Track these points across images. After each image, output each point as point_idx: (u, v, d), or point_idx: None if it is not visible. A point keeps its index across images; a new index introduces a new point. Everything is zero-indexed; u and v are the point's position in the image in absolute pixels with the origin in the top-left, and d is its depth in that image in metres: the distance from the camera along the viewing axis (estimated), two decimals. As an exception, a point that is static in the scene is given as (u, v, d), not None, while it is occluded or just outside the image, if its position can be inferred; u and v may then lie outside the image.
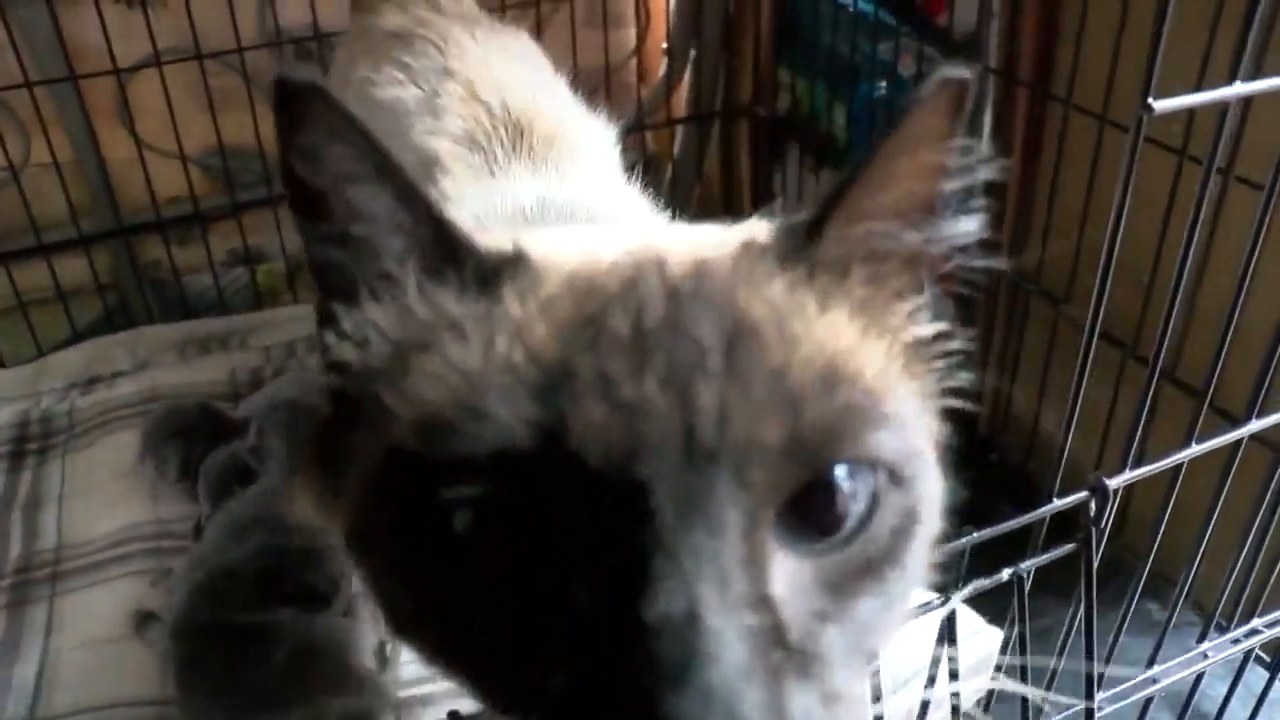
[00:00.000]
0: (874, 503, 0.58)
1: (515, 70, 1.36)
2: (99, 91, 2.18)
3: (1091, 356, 0.93)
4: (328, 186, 0.62)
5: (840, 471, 0.56)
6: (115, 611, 1.60)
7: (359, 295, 0.65)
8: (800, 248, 0.63)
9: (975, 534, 0.89)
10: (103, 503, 1.82)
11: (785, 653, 0.52)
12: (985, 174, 0.66)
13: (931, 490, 0.63)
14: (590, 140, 1.28)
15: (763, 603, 0.53)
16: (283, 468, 1.60)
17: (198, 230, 2.31)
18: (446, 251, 0.63)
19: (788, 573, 0.55)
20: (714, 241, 0.66)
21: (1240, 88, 0.79)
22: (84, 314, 2.32)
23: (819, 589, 0.55)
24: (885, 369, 0.62)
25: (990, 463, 1.92)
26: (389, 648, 1.50)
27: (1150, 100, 0.76)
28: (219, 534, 1.55)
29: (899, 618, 0.61)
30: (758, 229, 0.68)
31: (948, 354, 0.67)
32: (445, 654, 0.61)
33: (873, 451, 0.57)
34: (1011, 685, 0.95)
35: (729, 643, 0.50)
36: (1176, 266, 0.94)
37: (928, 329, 0.66)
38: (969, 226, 0.67)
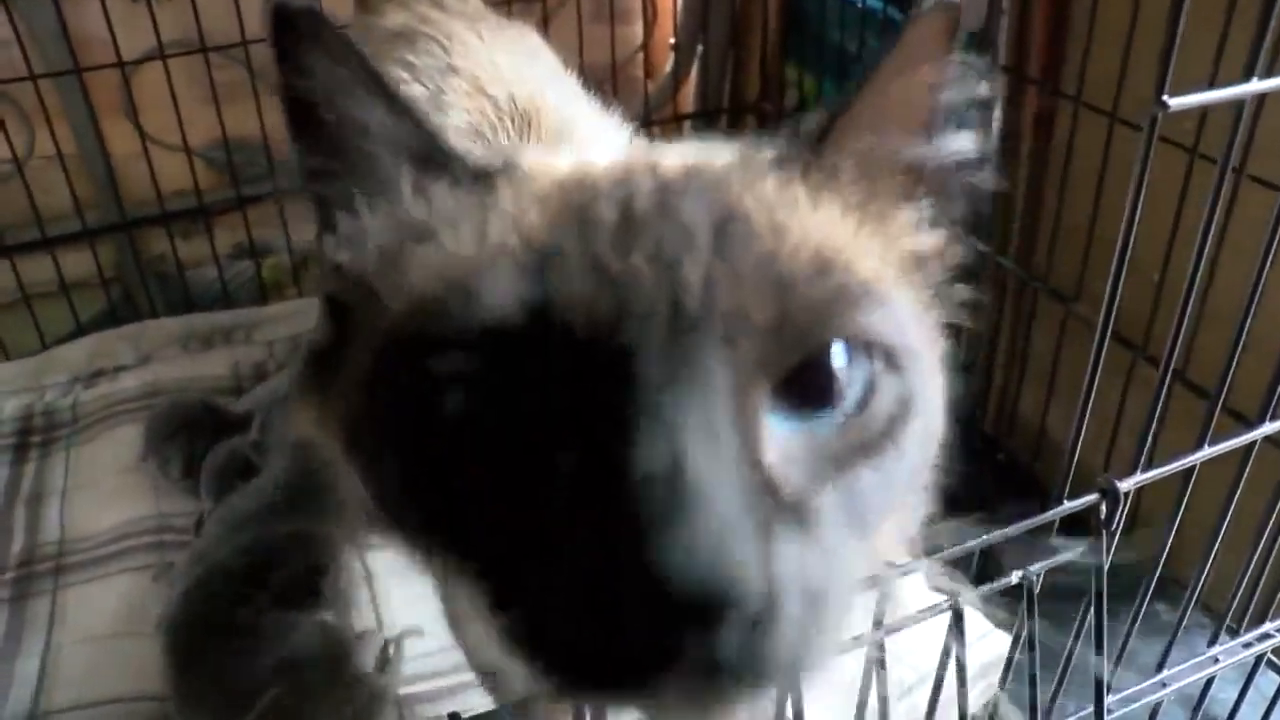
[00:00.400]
0: (870, 387, 0.58)
1: (522, 65, 1.35)
2: (103, 84, 2.17)
3: (1102, 359, 0.92)
4: (323, 101, 0.64)
5: (836, 350, 0.57)
6: (117, 607, 1.61)
7: (355, 204, 0.66)
8: (798, 156, 0.65)
9: (985, 536, 0.88)
10: (106, 497, 1.82)
11: (776, 510, 0.52)
12: (981, 90, 0.69)
13: (931, 389, 0.63)
14: (602, 134, 1.26)
15: (753, 462, 0.53)
16: (285, 461, 1.59)
17: (202, 223, 2.30)
18: (438, 159, 0.66)
19: (781, 441, 0.55)
20: (712, 153, 0.68)
21: (1257, 85, 0.78)
22: (87, 307, 2.31)
23: (814, 459, 0.55)
24: (880, 268, 0.63)
25: (998, 463, 1.91)
26: (391, 648, 1.49)
27: (1165, 98, 0.75)
28: (217, 529, 1.55)
29: (899, 504, 0.61)
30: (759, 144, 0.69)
31: (949, 270, 0.69)
32: (441, 545, 0.60)
33: (866, 332, 0.58)
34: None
35: (715, 492, 0.49)
36: (1190, 267, 0.92)
37: (926, 241, 0.68)
38: (965, 142, 0.70)
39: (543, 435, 0.54)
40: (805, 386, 0.56)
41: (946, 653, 0.96)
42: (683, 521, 0.48)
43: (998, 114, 1.92)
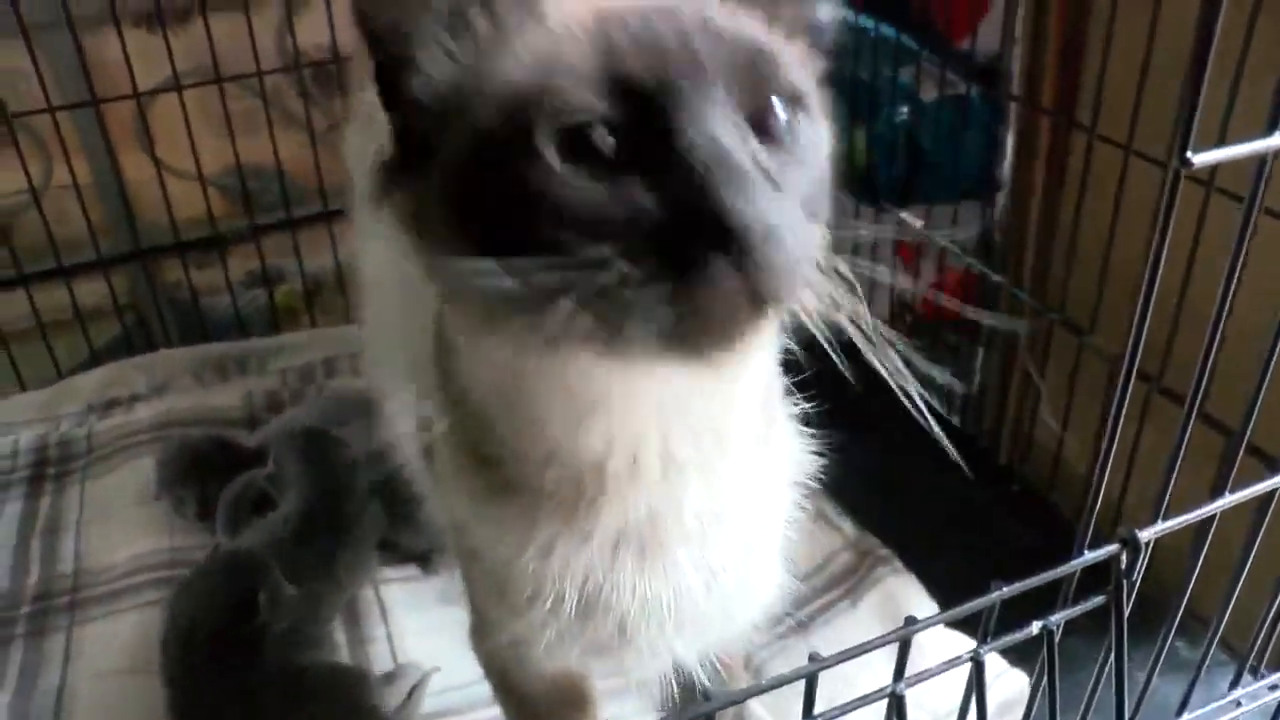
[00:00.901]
0: (796, 125, 0.76)
1: None
2: (118, 115, 2.19)
3: (1127, 401, 0.91)
4: None
5: (776, 102, 0.74)
6: (131, 642, 1.60)
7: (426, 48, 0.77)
8: None
9: (1004, 589, 0.88)
10: (120, 529, 1.82)
11: (771, 183, 0.70)
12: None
13: (820, 119, 0.82)
14: None
15: (754, 154, 0.71)
16: (301, 495, 1.59)
17: (216, 252, 2.31)
18: None
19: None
20: None
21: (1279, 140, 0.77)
22: (101, 335, 2.32)
23: (776, 166, 0.72)
24: (781, 44, 0.80)
25: (1012, 493, 1.90)
26: (413, 689, 1.49)
27: (1188, 154, 0.74)
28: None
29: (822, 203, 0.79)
30: None
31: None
32: (545, 279, 0.69)
33: (790, 85, 0.76)
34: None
35: (746, 167, 0.68)
36: (1214, 311, 0.92)
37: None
38: None
39: (622, 161, 0.70)
40: (763, 124, 0.74)
41: (967, 702, 0.95)
42: (737, 182, 0.67)
43: (1010, 145, 1.93)
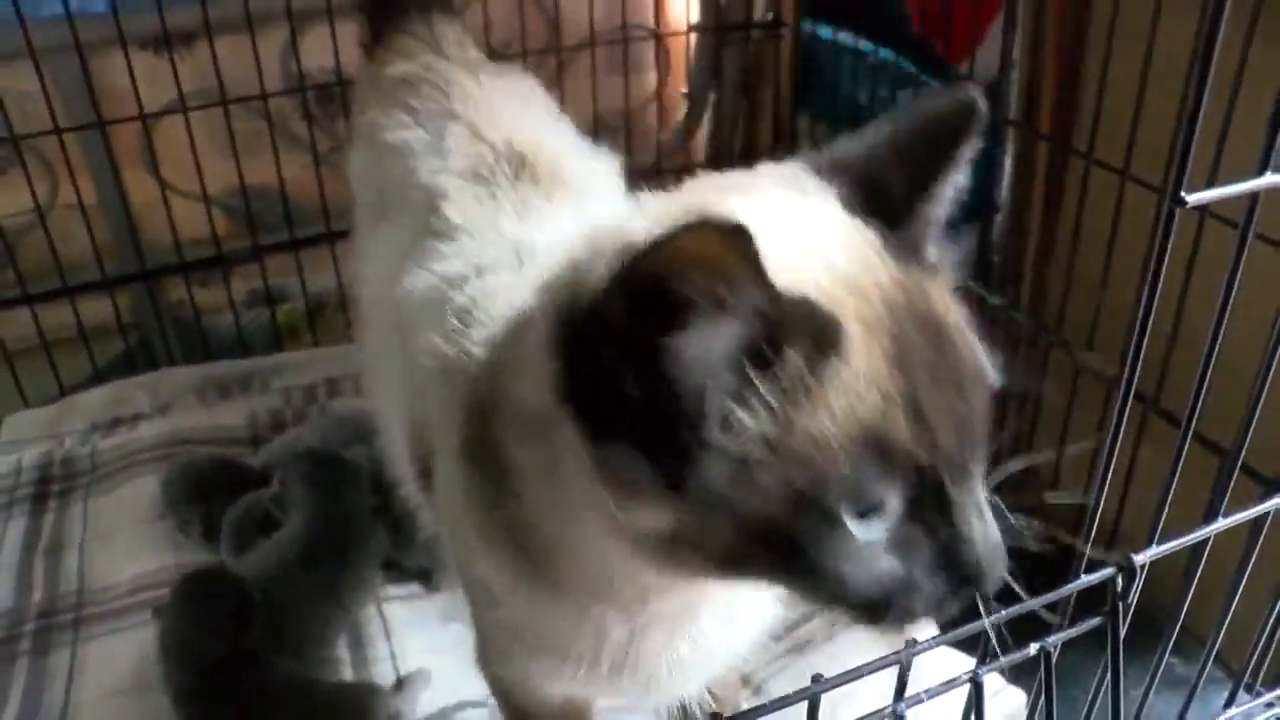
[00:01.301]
0: None
1: (517, 110, 1.40)
2: (124, 136, 2.20)
3: (1122, 428, 0.93)
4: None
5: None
6: (135, 659, 1.61)
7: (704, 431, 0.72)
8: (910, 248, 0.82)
9: (1002, 612, 0.89)
10: (124, 547, 1.83)
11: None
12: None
13: None
14: (594, 173, 1.31)
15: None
16: (306, 517, 1.60)
17: (219, 272, 2.33)
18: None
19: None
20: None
21: (1271, 179, 0.79)
22: (104, 353, 2.34)
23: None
24: None
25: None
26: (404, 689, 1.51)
27: (1183, 194, 0.77)
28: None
29: None
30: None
31: None
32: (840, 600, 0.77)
33: None
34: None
35: (997, 535, 0.78)
36: (1209, 334, 0.94)
37: None
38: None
39: (918, 524, 0.75)
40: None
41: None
42: (995, 555, 0.77)
43: (1008, 168, 1.95)
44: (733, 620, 1.02)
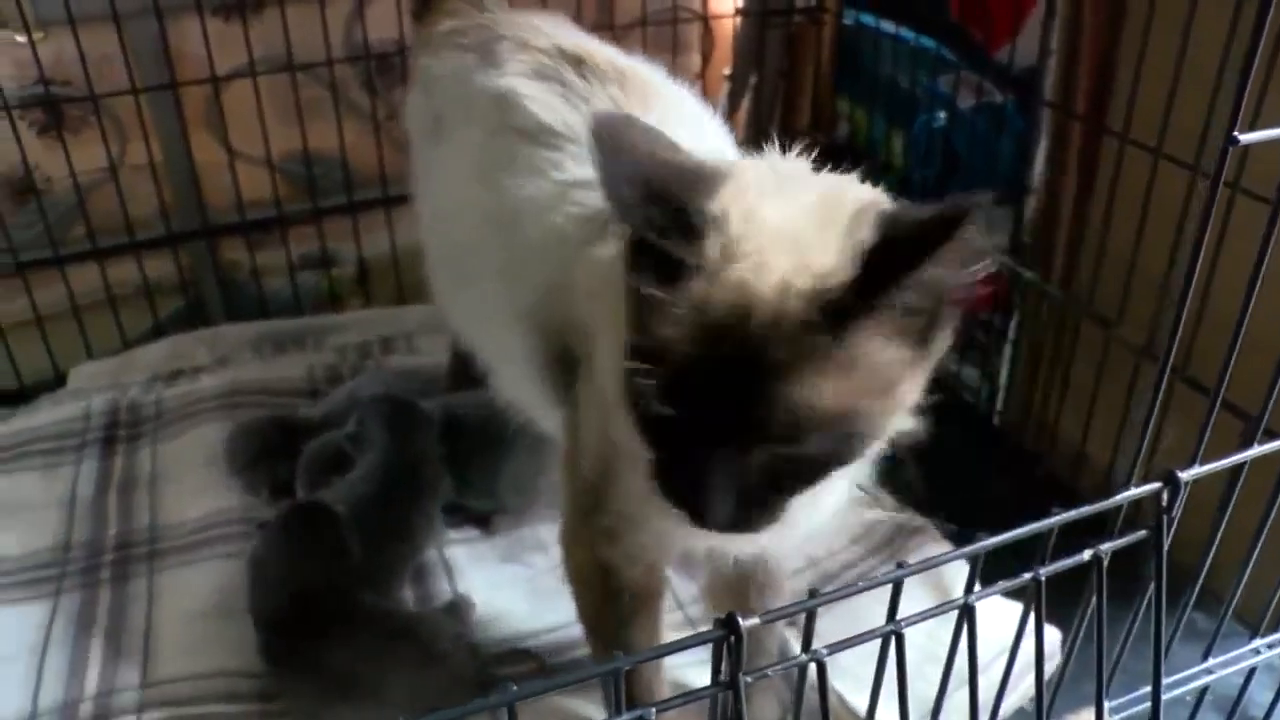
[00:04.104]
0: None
1: (560, 28, 1.52)
2: (191, 99, 2.29)
3: (1162, 391, 1.03)
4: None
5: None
6: (210, 590, 1.70)
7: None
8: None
9: (1061, 515, 0.98)
10: (192, 489, 1.92)
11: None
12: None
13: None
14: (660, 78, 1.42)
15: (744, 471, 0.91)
16: (381, 458, 1.68)
17: (275, 233, 2.42)
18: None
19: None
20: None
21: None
22: (161, 309, 2.42)
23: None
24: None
25: (1036, 477, 2.00)
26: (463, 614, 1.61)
27: (1236, 133, 0.85)
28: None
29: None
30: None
31: None
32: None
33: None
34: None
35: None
36: (1241, 304, 1.03)
37: None
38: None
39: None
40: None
41: (1023, 627, 1.04)
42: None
43: (1042, 149, 2.03)
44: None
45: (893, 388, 0.94)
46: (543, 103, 1.33)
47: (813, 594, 0.89)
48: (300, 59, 2.25)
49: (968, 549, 0.95)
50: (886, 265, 0.86)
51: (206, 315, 2.47)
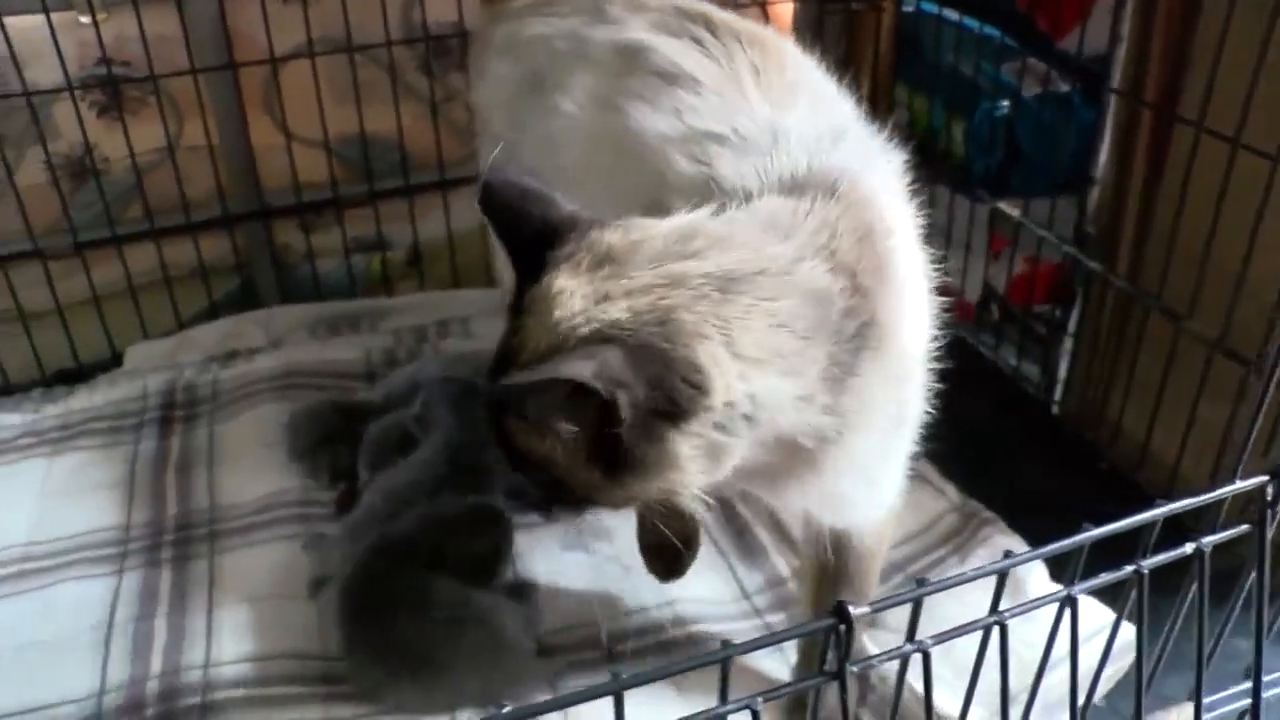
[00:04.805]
0: None
1: None
2: (247, 80, 2.28)
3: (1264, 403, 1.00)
4: None
5: None
6: (270, 571, 1.70)
7: None
8: None
9: (1166, 506, 0.96)
10: (250, 470, 1.92)
11: None
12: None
13: None
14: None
15: None
16: (447, 440, 1.68)
17: (329, 215, 2.41)
18: None
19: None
20: None
21: None
22: (215, 290, 2.41)
23: None
24: None
25: (1100, 470, 1.98)
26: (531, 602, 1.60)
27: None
28: (379, 500, 1.64)
29: None
30: None
31: None
32: None
33: None
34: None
35: None
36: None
37: None
38: None
39: None
40: None
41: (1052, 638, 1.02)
42: None
43: (1107, 139, 2.00)
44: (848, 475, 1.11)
45: (557, 467, 0.99)
46: (679, 51, 1.28)
47: (920, 583, 0.88)
48: (358, 40, 2.24)
49: (1074, 539, 0.93)
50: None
51: (258, 297, 2.47)
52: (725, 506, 1.81)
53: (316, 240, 2.45)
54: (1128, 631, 1.30)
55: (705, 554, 1.71)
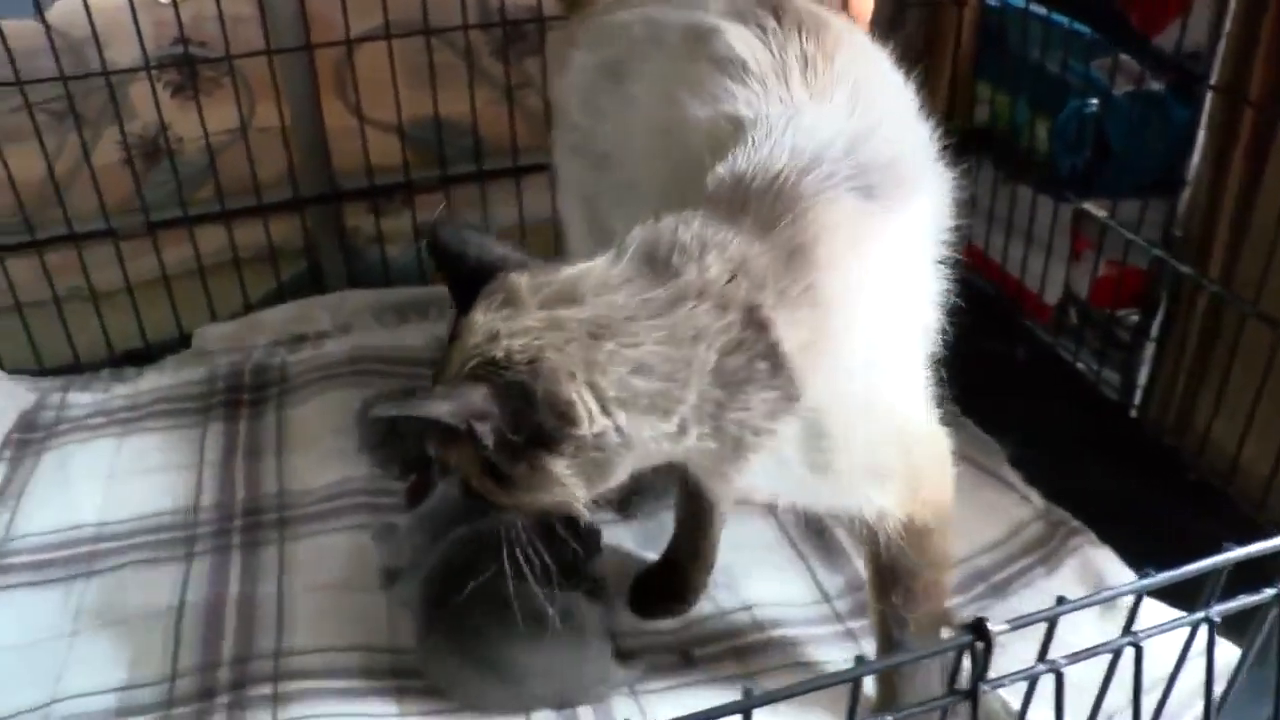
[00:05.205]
0: None
1: None
2: (321, 62, 2.26)
3: None
4: None
5: None
6: (341, 560, 1.67)
7: None
8: None
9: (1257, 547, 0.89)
10: (318, 457, 1.90)
11: None
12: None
13: None
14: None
15: None
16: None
17: (398, 200, 2.39)
18: None
19: None
20: None
21: None
22: (282, 273, 2.40)
23: None
24: None
25: (1187, 481, 1.92)
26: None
27: None
28: (455, 491, 1.60)
29: None
30: None
31: None
32: None
33: None
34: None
35: None
36: None
37: None
38: None
39: None
40: None
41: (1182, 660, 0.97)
42: None
43: (1201, 139, 1.94)
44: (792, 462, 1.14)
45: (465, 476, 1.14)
46: (739, 37, 1.26)
47: (1060, 601, 0.83)
48: (434, 24, 2.21)
49: (1216, 559, 0.87)
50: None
51: (324, 280, 2.45)
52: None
53: (385, 225, 2.42)
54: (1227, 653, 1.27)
55: (783, 555, 1.69)
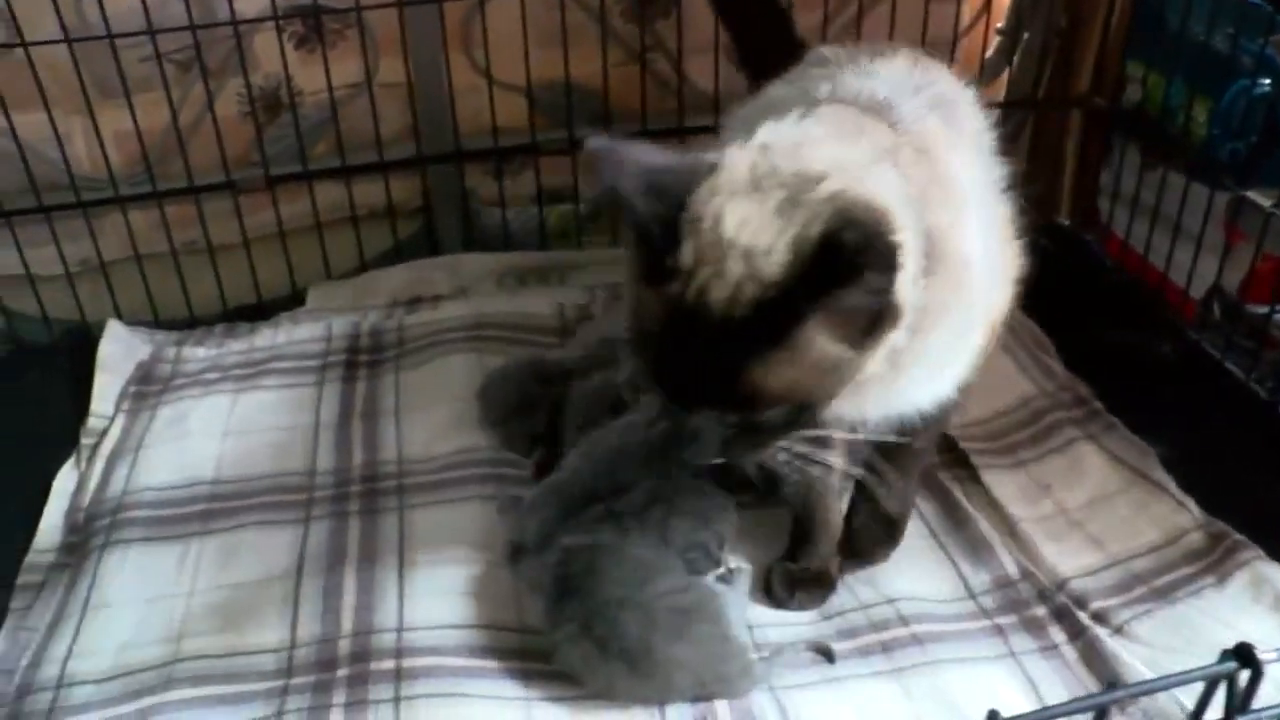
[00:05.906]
0: None
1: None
2: (449, 18, 2.19)
3: None
4: None
5: None
6: (463, 532, 1.61)
7: None
8: None
9: None
10: (438, 423, 1.84)
11: None
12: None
13: None
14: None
15: None
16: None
17: (518, 162, 2.33)
18: None
19: None
20: None
21: None
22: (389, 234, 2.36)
23: None
24: None
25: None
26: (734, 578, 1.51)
27: None
28: (584, 464, 1.55)
29: None
30: None
31: None
32: None
33: None
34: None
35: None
36: None
37: None
38: None
39: None
40: None
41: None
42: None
43: None
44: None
45: (832, 374, 1.08)
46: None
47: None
48: (559, -19, 2.14)
49: None
50: (824, 278, 1.00)
51: (438, 242, 2.40)
52: (944, 497, 1.69)
53: (493, 189, 2.36)
54: None
55: (926, 548, 1.61)
